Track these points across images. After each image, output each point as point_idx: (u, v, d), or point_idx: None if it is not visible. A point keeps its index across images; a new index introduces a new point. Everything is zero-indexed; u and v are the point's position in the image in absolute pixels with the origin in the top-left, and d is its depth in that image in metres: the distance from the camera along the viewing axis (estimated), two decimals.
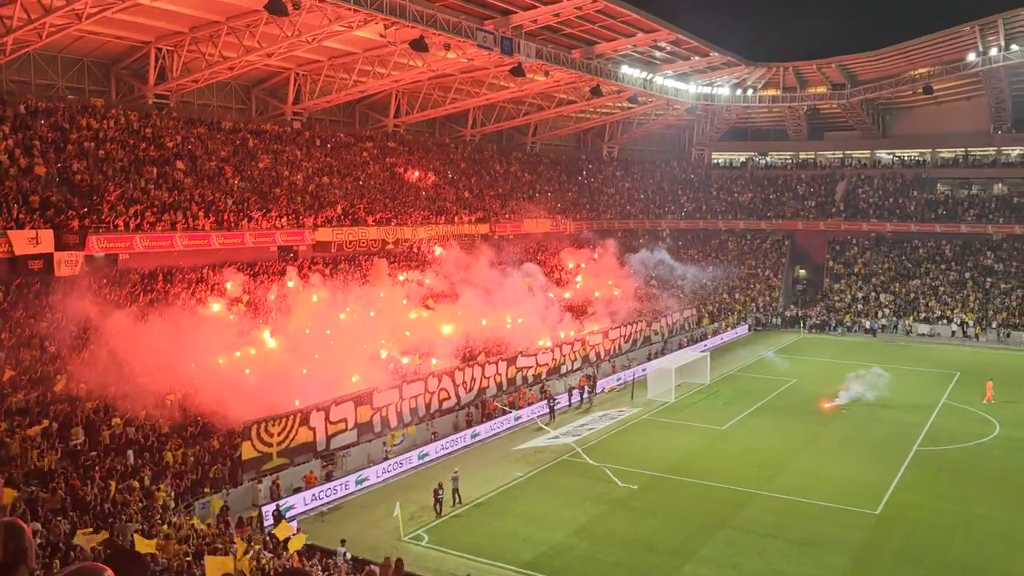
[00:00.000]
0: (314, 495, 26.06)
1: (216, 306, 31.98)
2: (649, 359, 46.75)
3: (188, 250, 34.22)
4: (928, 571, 21.37)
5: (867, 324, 59.52)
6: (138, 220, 32.75)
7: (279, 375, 28.56)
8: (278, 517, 23.44)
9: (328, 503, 26.38)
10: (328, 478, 27.31)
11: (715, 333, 56.87)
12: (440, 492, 25.49)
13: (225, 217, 36.34)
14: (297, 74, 46.96)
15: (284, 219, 38.95)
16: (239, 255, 36.48)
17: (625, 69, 56.33)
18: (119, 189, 33.55)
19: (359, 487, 27.78)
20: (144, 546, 16.50)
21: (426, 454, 30.76)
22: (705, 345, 52.41)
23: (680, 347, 50.58)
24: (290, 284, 35.48)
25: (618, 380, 43.16)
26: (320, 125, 50.64)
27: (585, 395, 39.14)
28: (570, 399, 38.37)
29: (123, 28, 37.22)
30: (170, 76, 40.31)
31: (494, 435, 34.10)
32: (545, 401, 37.27)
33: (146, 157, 36.50)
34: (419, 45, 39.86)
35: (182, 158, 37.98)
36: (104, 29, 36.60)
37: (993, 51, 57.82)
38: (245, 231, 36.71)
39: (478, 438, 33.31)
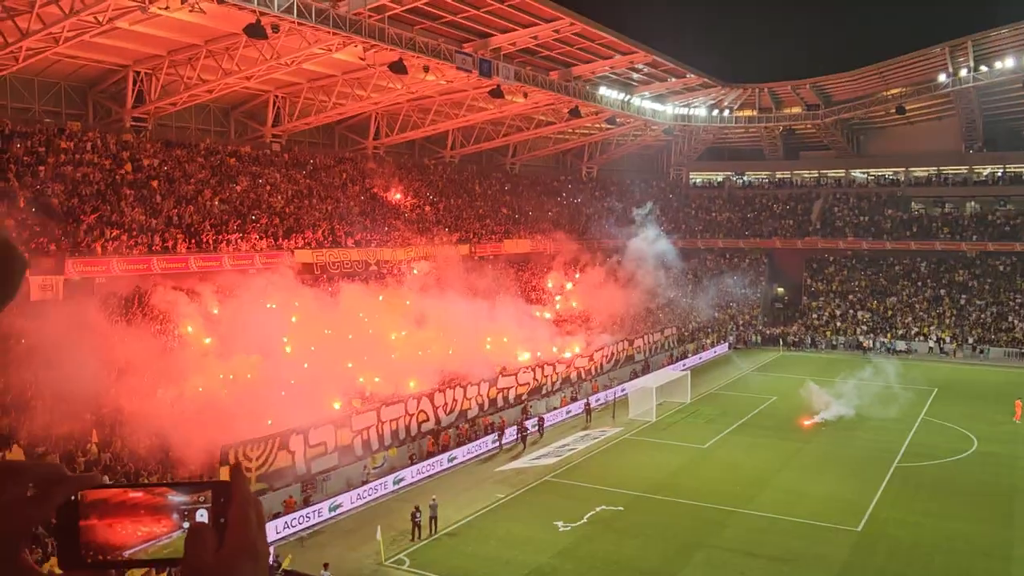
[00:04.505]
0: (291, 521, 25.74)
1: (190, 328, 31.62)
2: (631, 378, 46.76)
3: (166, 273, 33.87)
4: None
5: (862, 341, 60.11)
6: (115, 244, 32.45)
7: (257, 398, 28.24)
8: None
9: (308, 528, 26.08)
10: (307, 503, 27.00)
11: (696, 351, 57.05)
12: (418, 516, 25.32)
13: (203, 239, 36.10)
14: (276, 96, 46.89)
15: (264, 241, 38.75)
16: (217, 278, 36.09)
17: (603, 91, 56.74)
18: (96, 212, 33.26)
19: (342, 510, 27.53)
20: None
21: (401, 479, 30.54)
22: (685, 364, 52.51)
23: (663, 366, 50.61)
24: (271, 306, 35.16)
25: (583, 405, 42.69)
26: (299, 147, 50.51)
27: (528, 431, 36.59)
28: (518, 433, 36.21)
29: (101, 52, 37.03)
30: (148, 99, 40.11)
31: (474, 457, 33.94)
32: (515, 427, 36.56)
33: (123, 180, 36.23)
34: (398, 68, 39.93)
35: (159, 180, 37.72)
36: (81, 52, 36.38)
37: (963, 72, 58.81)
38: (224, 254, 36.45)
39: (455, 461, 33.16)
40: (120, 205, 34.60)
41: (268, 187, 43.13)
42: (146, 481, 21.88)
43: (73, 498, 1.46)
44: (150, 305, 30.79)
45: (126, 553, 1.49)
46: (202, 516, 1.50)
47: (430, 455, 32.39)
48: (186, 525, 1.48)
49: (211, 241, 36.40)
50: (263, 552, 1.45)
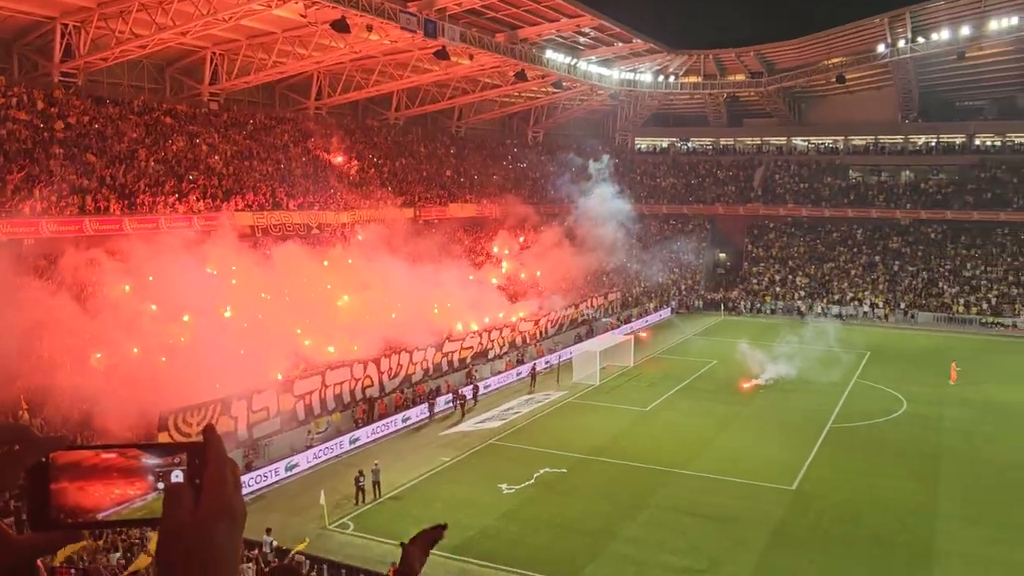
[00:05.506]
0: None
1: (127, 288, 30.68)
2: (576, 342, 47.16)
3: (99, 235, 32.77)
4: (842, 545, 22.20)
5: (800, 306, 61.47)
6: (44, 204, 31.25)
7: (193, 363, 27.65)
8: None
9: (250, 493, 25.81)
10: (249, 468, 26.71)
11: (640, 316, 57.79)
12: (361, 480, 25.33)
13: (138, 200, 34.99)
14: (214, 53, 45.40)
15: (202, 203, 37.74)
16: (152, 239, 35.05)
17: (549, 54, 56.37)
18: (23, 171, 31.94)
19: (285, 475, 27.36)
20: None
21: (357, 439, 30.64)
22: (629, 328, 53.19)
23: (607, 330, 51.14)
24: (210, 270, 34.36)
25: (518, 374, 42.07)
26: (238, 106, 49.14)
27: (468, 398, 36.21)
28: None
29: (25, 2, 35.33)
30: (77, 53, 38.44)
31: (416, 422, 33.96)
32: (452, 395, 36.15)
33: (52, 137, 34.82)
34: (340, 26, 38.99)
35: (91, 138, 36.36)
36: (5, 2, 34.63)
37: (901, 43, 60.00)
38: (160, 215, 35.40)
39: (409, 422, 33.23)
40: (48, 164, 33.27)
41: (206, 147, 41.92)
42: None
43: (43, 460, 1.44)
44: (79, 268, 29.73)
45: (99, 516, 1.47)
46: (177, 478, 1.48)
47: (362, 423, 32.08)
48: (161, 487, 1.46)
49: (147, 203, 35.31)
50: (240, 512, 1.44)
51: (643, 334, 43.06)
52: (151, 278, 30.49)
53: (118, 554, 18.52)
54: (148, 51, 40.67)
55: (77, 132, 36.12)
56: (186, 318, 30.08)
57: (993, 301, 57.91)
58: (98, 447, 1.50)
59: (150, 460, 1.49)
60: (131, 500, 1.51)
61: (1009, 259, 61.13)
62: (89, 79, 40.91)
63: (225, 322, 31.17)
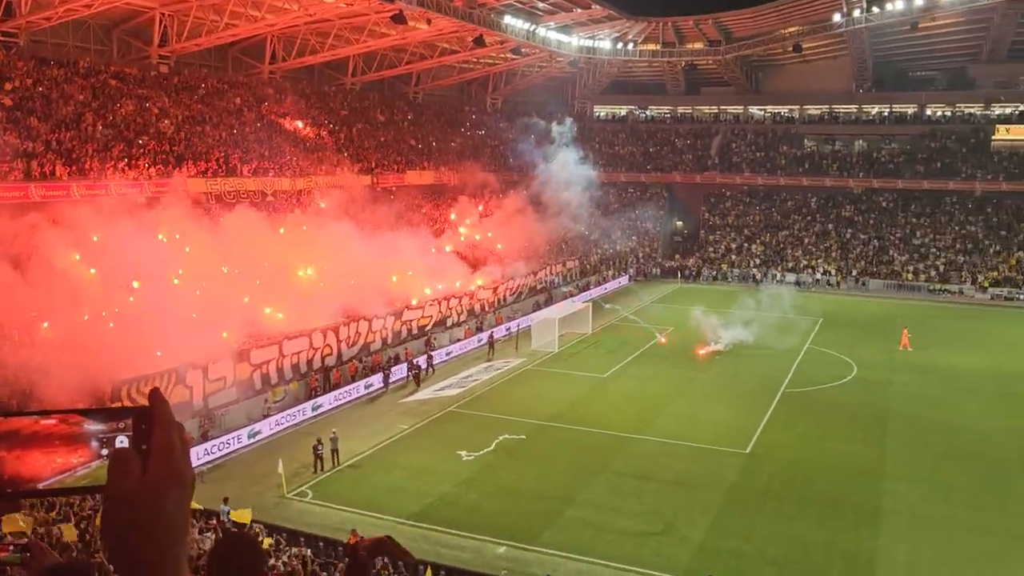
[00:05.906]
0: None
1: (77, 256, 29.91)
2: (534, 310, 47.31)
3: (45, 201, 31.79)
4: (793, 505, 22.78)
5: (756, 275, 62.31)
6: None
7: (150, 331, 27.12)
8: None
9: (207, 463, 25.61)
10: (205, 437, 26.45)
11: (598, 283, 58.13)
12: (320, 448, 25.28)
13: (86, 166, 33.98)
14: (163, 14, 43.99)
15: (153, 169, 36.80)
16: (101, 205, 34.11)
17: (508, 19, 55.76)
18: None
19: (248, 442, 27.19)
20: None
21: (320, 405, 30.69)
22: (591, 294, 53.49)
23: (566, 298, 51.33)
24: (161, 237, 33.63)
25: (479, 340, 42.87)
26: (190, 70, 47.83)
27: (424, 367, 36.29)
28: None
29: None
30: (19, 12, 37.01)
31: (375, 391, 33.89)
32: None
33: None
34: None
35: (34, 101, 35.12)
36: None
37: (856, 12, 60.51)
38: (109, 181, 34.44)
39: (371, 389, 33.21)
40: None
41: (156, 111, 40.81)
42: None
43: None
44: (24, 234, 28.82)
45: (40, 485, 1.43)
46: (122, 443, 1.43)
47: (318, 392, 31.99)
48: (105, 453, 1.42)
49: (95, 168, 34.29)
50: (190, 478, 1.41)
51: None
52: (94, 237, 29.66)
53: (71, 523, 18.24)
54: (94, 11, 39.27)
55: (20, 95, 34.88)
56: (136, 285, 29.42)
57: (941, 268, 59.35)
58: (37, 413, 1.45)
59: (93, 426, 1.44)
60: (74, 468, 1.46)
61: (957, 227, 62.61)
62: (32, 39, 39.43)
63: (176, 290, 30.56)
